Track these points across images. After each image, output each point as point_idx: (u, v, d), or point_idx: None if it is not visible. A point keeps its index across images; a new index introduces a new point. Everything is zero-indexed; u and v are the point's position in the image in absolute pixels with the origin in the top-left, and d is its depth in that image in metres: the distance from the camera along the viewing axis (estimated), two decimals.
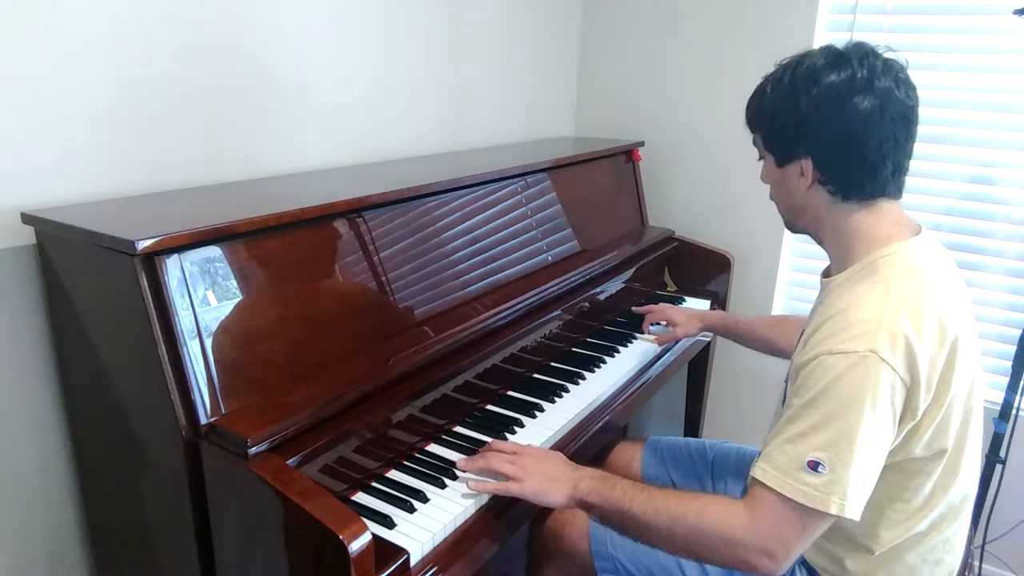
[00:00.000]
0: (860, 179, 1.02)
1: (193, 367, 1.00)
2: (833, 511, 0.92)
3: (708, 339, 2.05)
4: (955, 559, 1.10)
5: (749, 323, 1.60)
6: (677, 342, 1.78)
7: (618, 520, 1.06)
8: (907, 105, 0.99)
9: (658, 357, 1.72)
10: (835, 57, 1.00)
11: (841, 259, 1.07)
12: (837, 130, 0.99)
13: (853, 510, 0.93)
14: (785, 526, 0.95)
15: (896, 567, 1.06)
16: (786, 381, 1.12)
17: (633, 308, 1.83)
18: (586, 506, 1.10)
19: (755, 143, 1.12)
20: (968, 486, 1.06)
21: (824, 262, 1.15)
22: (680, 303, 2.01)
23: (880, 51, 1.01)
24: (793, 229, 1.16)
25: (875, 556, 1.05)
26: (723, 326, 1.67)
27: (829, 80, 0.99)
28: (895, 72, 0.99)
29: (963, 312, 1.01)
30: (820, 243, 1.12)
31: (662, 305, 1.77)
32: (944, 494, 1.03)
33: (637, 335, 1.77)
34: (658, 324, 1.76)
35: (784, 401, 1.05)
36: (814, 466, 0.92)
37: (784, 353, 1.49)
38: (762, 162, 1.13)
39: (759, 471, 0.97)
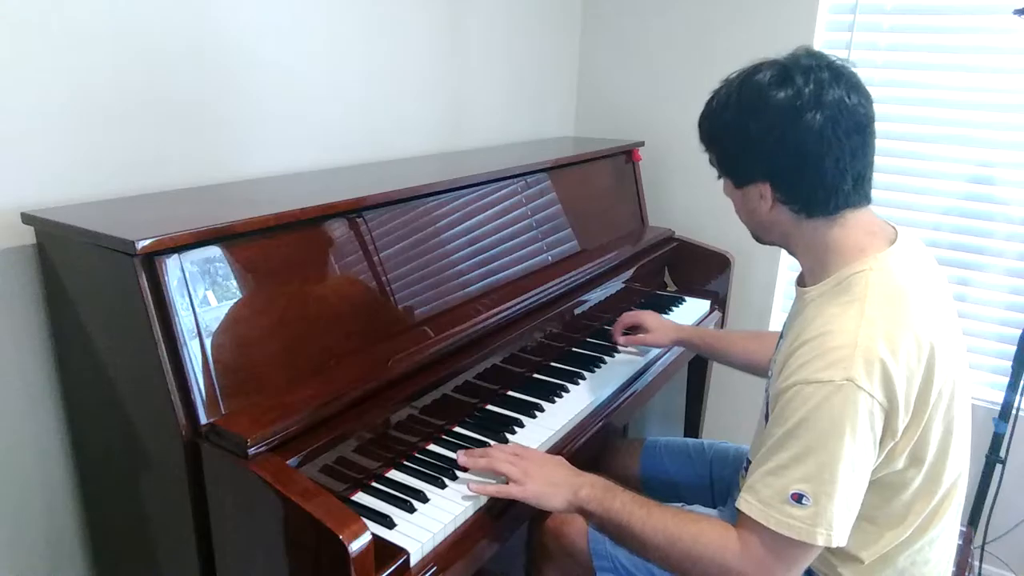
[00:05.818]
0: (822, 196, 0.99)
1: (193, 367, 1.00)
2: (820, 543, 0.92)
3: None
4: (942, 555, 1.10)
5: (727, 338, 1.58)
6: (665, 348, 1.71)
7: (615, 531, 1.07)
8: (860, 113, 0.95)
9: (658, 357, 1.71)
10: (780, 72, 0.96)
11: (815, 272, 1.06)
12: (791, 150, 0.96)
13: (840, 539, 0.93)
14: (775, 558, 0.95)
15: (887, 571, 1.06)
16: (767, 391, 1.12)
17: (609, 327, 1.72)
18: (585, 513, 1.10)
19: (711, 162, 1.11)
20: (949, 487, 1.05)
21: None
22: (680, 303, 2.01)
23: (829, 58, 0.97)
24: (762, 242, 1.16)
25: (865, 565, 1.05)
26: (700, 341, 1.61)
27: (777, 99, 0.95)
28: (845, 80, 0.95)
29: (941, 317, 0.99)
30: (792, 254, 1.11)
31: (636, 311, 1.69)
32: (927, 501, 1.03)
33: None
34: (631, 331, 1.68)
35: (766, 416, 1.05)
36: (798, 498, 0.92)
37: (763, 370, 1.46)
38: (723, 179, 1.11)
39: (744, 503, 0.97)
